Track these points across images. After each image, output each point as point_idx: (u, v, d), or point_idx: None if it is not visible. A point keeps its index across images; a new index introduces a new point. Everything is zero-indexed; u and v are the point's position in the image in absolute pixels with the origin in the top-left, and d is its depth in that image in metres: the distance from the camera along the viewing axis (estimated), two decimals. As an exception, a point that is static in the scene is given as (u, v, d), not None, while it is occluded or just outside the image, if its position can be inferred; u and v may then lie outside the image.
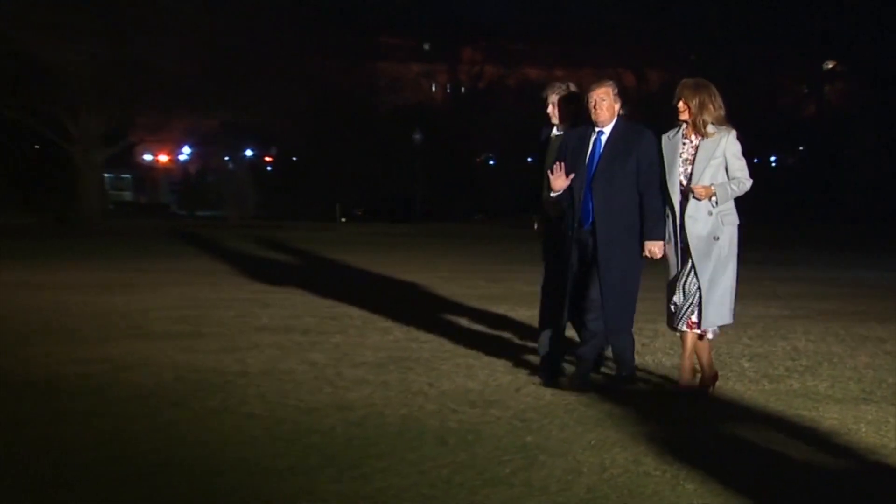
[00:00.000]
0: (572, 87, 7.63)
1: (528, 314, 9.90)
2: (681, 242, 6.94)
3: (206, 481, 5.01)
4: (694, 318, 6.95)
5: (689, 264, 6.90)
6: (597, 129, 7.11)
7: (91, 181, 31.38)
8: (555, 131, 7.67)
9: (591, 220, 7.04)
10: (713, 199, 6.83)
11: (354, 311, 10.88)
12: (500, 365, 7.97)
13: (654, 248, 6.97)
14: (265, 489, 4.89)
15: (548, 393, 7.03)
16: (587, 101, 7.11)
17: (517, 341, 8.99)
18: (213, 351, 8.47)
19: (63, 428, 5.96)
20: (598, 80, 7.26)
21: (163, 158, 56.97)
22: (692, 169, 6.87)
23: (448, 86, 58.09)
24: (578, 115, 7.48)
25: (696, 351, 7.11)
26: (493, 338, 9.20)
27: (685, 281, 6.93)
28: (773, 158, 53.52)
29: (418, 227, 36.41)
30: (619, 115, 7.15)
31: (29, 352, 8.32)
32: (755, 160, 51.69)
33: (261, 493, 4.83)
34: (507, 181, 44.56)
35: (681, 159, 6.92)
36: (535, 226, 7.87)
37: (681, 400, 6.96)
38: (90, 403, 6.55)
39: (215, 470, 5.17)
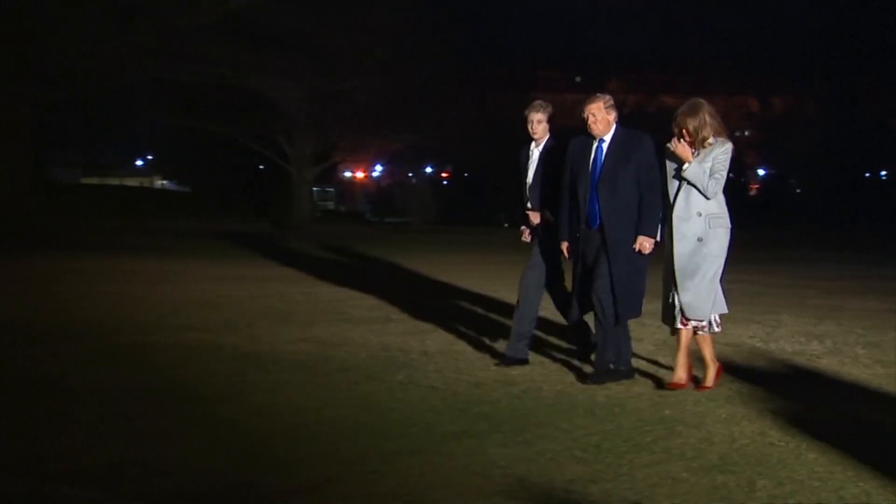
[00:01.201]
0: (549, 108, 7.28)
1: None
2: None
3: (397, 441, 5.06)
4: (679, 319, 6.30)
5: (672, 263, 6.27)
6: (597, 139, 6.62)
7: (303, 194, 32.21)
8: (533, 146, 7.22)
9: (598, 221, 6.54)
10: (685, 165, 6.14)
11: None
12: (642, 349, 7.81)
13: (646, 243, 6.42)
14: (444, 448, 4.92)
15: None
16: (584, 116, 6.62)
17: (656, 327, 8.79)
18: (399, 333, 8.56)
19: (281, 395, 6.12)
20: (591, 96, 6.75)
21: (359, 174, 58.21)
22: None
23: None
24: (554, 130, 7.19)
25: (699, 346, 6.37)
26: (636, 324, 9.02)
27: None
28: (882, 173, 51.07)
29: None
30: (616, 124, 6.64)
31: (254, 331, 8.58)
32: (866, 174, 49.66)
33: (441, 451, 4.86)
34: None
35: (676, 168, 6.31)
36: (524, 236, 7.37)
37: (802, 381, 6.69)
38: (303, 375, 6.70)
39: (404, 432, 5.23)
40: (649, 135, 6.65)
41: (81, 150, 48.93)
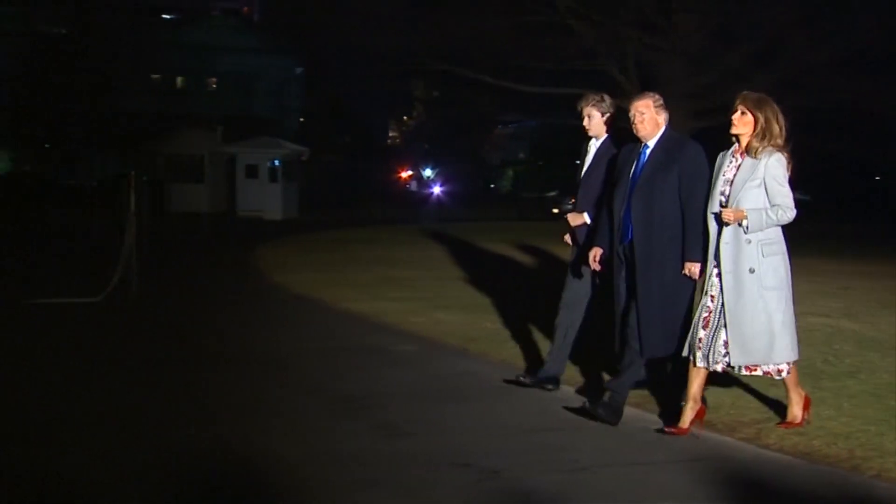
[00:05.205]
0: (606, 102, 5.37)
1: None
2: (716, 269, 4.47)
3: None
4: (726, 360, 4.42)
5: (720, 296, 4.44)
6: (643, 143, 4.82)
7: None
8: (592, 142, 5.42)
9: (629, 236, 4.77)
10: (744, 223, 4.31)
11: None
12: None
13: (694, 269, 4.61)
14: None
15: None
16: (630, 115, 4.84)
17: None
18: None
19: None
20: (641, 93, 4.94)
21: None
22: (730, 190, 4.41)
23: None
24: (613, 124, 5.34)
25: (694, 379, 4.50)
26: None
27: (709, 311, 4.47)
28: None
29: None
30: (665, 127, 4.80)
31: (875, 319, 7.91)
32: None
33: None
34: None
35: (723, 178, 4.46)
36: (565, 238, 5.54)
37: None
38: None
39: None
40: (697, 140, 4.88)
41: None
